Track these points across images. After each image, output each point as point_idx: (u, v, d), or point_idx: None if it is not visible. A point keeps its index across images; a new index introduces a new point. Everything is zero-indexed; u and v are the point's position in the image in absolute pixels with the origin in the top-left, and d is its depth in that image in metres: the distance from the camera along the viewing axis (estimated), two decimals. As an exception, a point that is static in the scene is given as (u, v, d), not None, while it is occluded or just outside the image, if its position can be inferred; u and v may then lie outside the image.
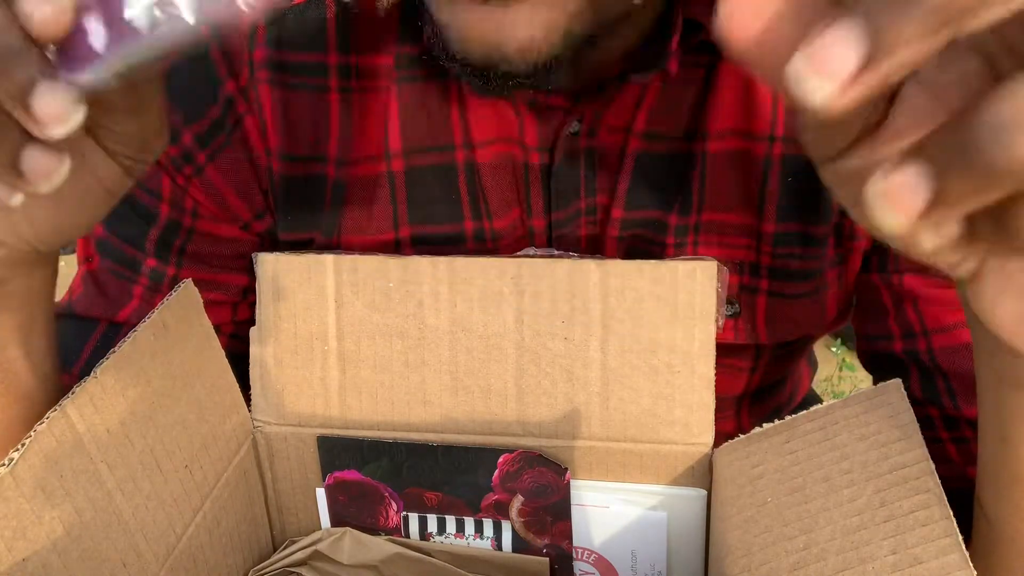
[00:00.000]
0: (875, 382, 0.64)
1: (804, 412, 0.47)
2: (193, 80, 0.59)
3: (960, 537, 0.37)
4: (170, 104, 0.53)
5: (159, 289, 0.63)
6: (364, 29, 0.60)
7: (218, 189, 0.61)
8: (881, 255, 0.61)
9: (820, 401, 0.91)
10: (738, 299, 0.63)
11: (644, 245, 0.63)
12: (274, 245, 0.64)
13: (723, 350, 0.65)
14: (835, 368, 2.18)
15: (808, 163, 0.58)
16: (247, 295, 0.65)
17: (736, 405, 0.74)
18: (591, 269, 0.51)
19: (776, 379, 0.75)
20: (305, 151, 0.61)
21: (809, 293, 0.62)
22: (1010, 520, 0.46)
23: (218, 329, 0.55)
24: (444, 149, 0.61)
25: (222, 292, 0.64)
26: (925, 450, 0.41)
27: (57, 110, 0.31)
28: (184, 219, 0.62)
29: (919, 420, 0.59)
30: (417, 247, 0.62)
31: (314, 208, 0.62)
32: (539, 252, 0.54)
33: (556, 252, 0.53)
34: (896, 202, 0.24)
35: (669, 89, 0.59)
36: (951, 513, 0.38)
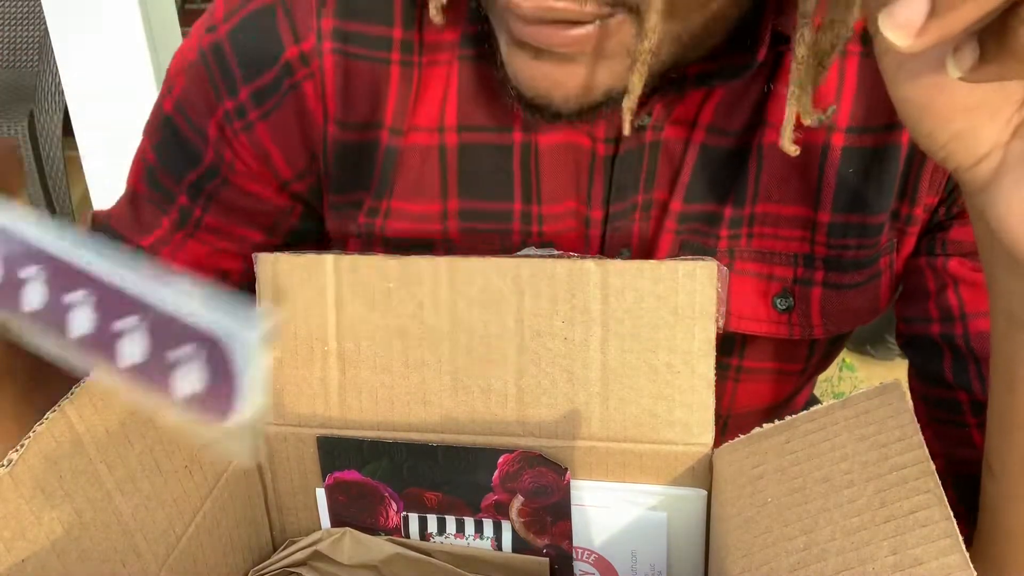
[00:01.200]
0: (910, 365, 0.65)
1: (804, 412, 0.47)
2: (258, 41, 0.62)
3: (960, 538, 0.36)
4: (233, 60, 0.62)
5: (184, 227, 0.67)
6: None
7: (264, 146, 0.64)
8: (931, 239, 0.62)
9: (819, 402, 0.91)
10: (792, 292, 0.63)
11: (698, 239, 0.63)
12: (308, 209, 0.68)
13: (775, 352, 0.66)
14: (835, 368, 2.18)
15: (869, 153, 0.60)
16: (271, 237, 0.69)
17: (761, 420, 0.74)
18: (591, 269, 0.51)
19: (806, 387, 0.75)
20: (362, 118, 0.63)
21: (864, 282, 0.63)
22: (1013, 472, 0.47)
23: (226, 275, 0.56)
24: (501, 130, 0.63)
25: (235, 244, 0.68)
26: (925, 451, 0.41)
27: None
28: (222, 168, 0.65)
29: (948, 404, 0.61)
30: (465, 222, 0.64)
31: (366, 171, 0.64)
32: (539, 252, 0.54)
33: (556, 252, 0.53)
34: (899, 20, 0.31)
35: (737, 84, 0.59)
36: (951, 514, 0.37)
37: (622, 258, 0.63)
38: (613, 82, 0.51)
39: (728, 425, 0.70)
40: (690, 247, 0.63)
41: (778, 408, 0.73)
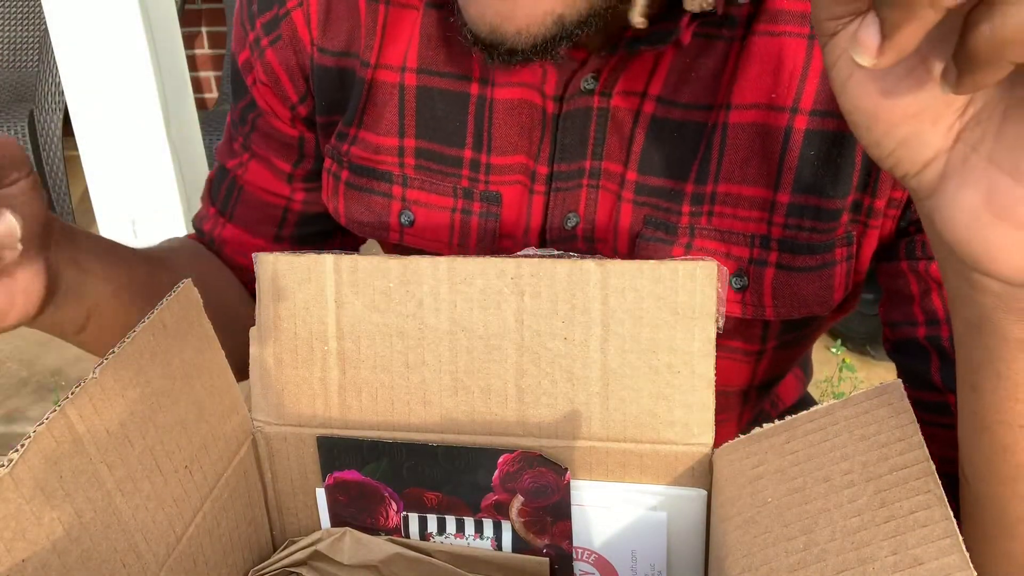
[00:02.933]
0: (898, 369, 0.65)
1: (804, 412, 0.47)
2: None
3: (960, 538, 0.36)
4: None
5: (247, 149, 0.79)
6: None
7: (274, 71, 0.73)
8: (910, 242, 0.62)
9: (816, 403, 0.91)
10: (747, 272, 0.64)
11: (660, 215, 0.64)
12: (311, 130, 0.76)
13: (730, 331, 0.67)
14: (835, 368, 2.18)
15: (831, 137, 0.62)
16: (298, 167, 0.78)
17: (738, 403, 0.74)
18: (591, 269, 0.51)
19: (777, 374, 0.75)
20: (340, 46, 0.70)
21: (816, 267, 0.63)
22: (984, 475, 0.47)
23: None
24: (459, 78, 0.67)
25: (274, 172, 0.78)
26: (926, 451, 0.41)
27: None
28: (256, 97, 0.76)
29: (938, 407, 0.61)
30: (421, 160, 0.70)
31: (342, 97, 0.71)
32: (539, 252, 0.54)
33: (556, 252, 0.53)
34: (862, 43, 0.34)
35: (685, 58, 0.61)
36: (951, 514, 0.37)
37: (567, 225, 0.66)
38: (563, 8, 0.53)
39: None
40: (652, 222, 0.64)
41: (738, 395, 0.74)
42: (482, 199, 0.68)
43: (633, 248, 0.65)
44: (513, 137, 0.66)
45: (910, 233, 0.62)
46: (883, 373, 2.23)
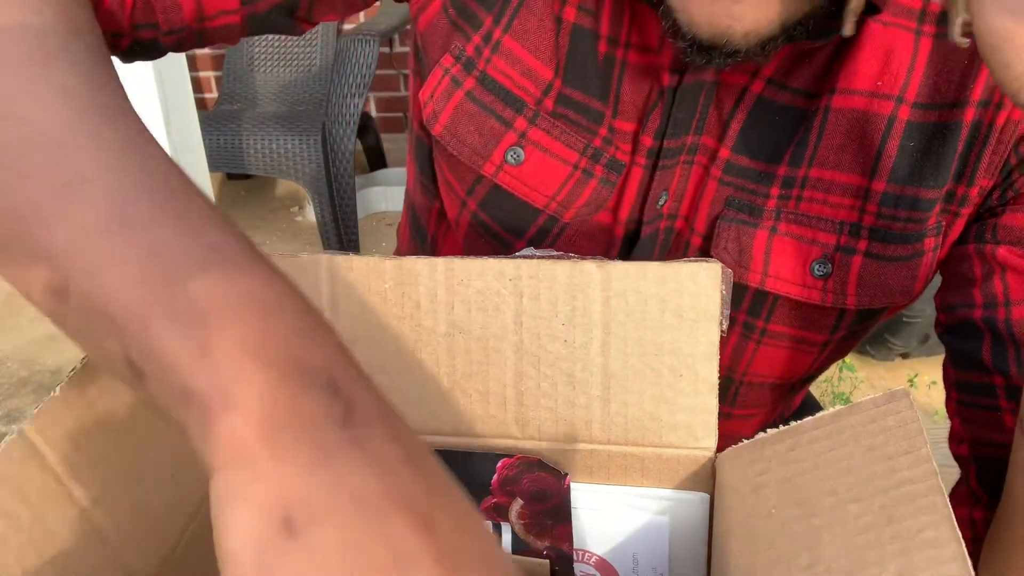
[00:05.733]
0: (947, 352, 0.64)
1: (809, 419, 0.46)
2: None
3: (969, 562, 0.35)
4: None
5: None
6: None
7: None
8: (981, 225, 0.62)
9: (817, 403, 0.90)
10: (832, 259, 0.63)
11: (746, 196, 0.64)
12: None
13: (802, 319, 0.66)
14: (835, 368, 2.17)
15: (932, 128, 0.61)
16: None
17: (778, 397, 0.73)
18: (592, 270, 0.50)
19: (828, 366, 0.75)
20: None
21: (907, 257, 0.63)
22: None
23: None
24: (605, 38, 0.64)
25: None
26: (933, 464, 0.40)
27: None
28: None
29: (983, 388, 0.61)
30: (559, 104, 0.65)
31: None
32: (539, 253, 0.52)
33: (555, 253, 0.52)
34: None
35: (804, 44, 0.60)
36: (959, 535, 0.36)
37: (660, 204, 0.64)
38: (787, 10, 0.52)
39: (739, 393, 0.70)
40: (736, 204, 0.64)
41: (786, 388, 0.73)
42: (607, 165, 0.65)
43: (712, 230, 0.64)
44: (638, 103, 0.64)
45: (983, 218, 0.62)
46: (883, 373, 2.22)
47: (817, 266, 0.63)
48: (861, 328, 0.69)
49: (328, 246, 2.64)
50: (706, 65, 0.56)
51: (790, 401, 0.78)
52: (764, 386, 0.71)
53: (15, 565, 0.37)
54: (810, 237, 0.63)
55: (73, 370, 0.41)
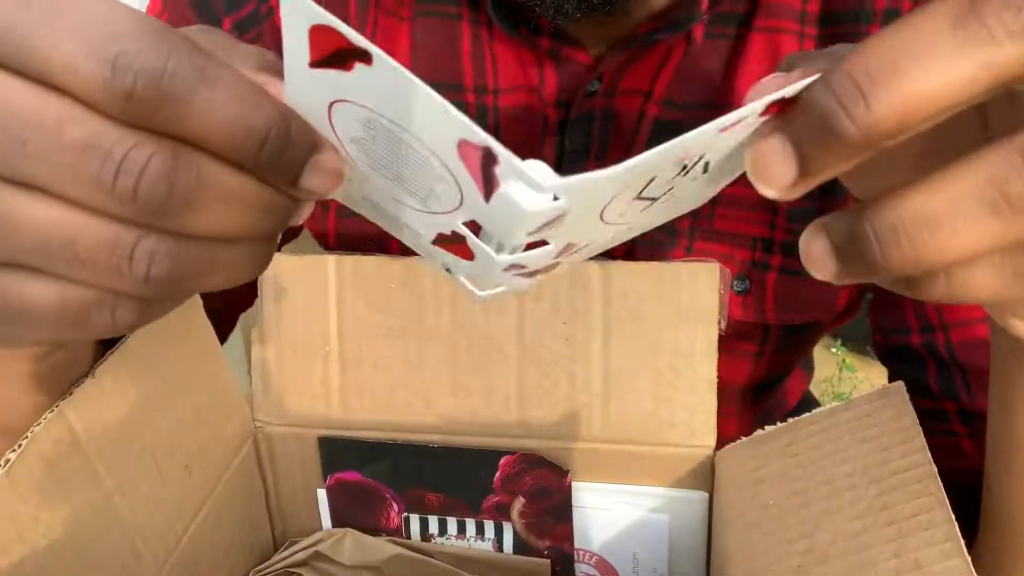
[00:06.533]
0: (891, 377, 0.64)
1: (807, 415, 0.47)
2: None
3: (963, 542, 0.36)
4: None
5: None
6: None
7: None
8: None
9: (817, 403, 0.91)
10: (749, 275, 0.63)
11: None
12: None
13: (735, 331, 0.66)
14: (835, 369, 2.17)
15: None
16: None
17: (739, 400, 0.74)
18: (593, 271, 0.51)
19: (777, 374, 0.75)
20: None
21: None
22: (1011, 492, 0.46)
23: None
24: (455, 88, 0.63)
25: None
26: (927, 454, 0.40)
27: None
28: None
29: (935, 414, 0.60)
30: None
31: None
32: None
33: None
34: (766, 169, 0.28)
35: (691, 58, 0.60)
36: (953, 517, 0.37)
37: None
38: None
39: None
40: None
41: (755, 390, 0.73)
42: None
43: (631, 251, 0.65)
44: (516, 145, 0.64)
45: None
46: (883, 373, 2.21)
47: (736, 282, 0.63)
48: (794, 342, 0.69)
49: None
50: (512, 29, 0.55)
51: (760, 404, 0.77)
52: (731, 390, 0.71)
53: (42, 539, 0.37)
54: (727, 253, 0.62)
55: (111, 351, 0.42)
